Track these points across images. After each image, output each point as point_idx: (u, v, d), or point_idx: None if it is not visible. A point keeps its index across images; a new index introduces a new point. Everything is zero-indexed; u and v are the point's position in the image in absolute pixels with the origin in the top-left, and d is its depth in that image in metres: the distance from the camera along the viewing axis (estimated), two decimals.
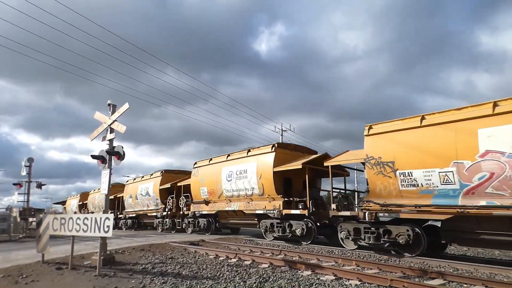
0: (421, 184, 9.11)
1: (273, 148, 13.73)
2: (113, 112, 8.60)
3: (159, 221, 20.86)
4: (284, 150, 14.18)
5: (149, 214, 22.33)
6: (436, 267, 8.18)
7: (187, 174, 20.36)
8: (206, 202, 16.98)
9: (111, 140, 8.54)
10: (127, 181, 26.15)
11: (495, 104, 8.08)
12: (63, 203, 63.82)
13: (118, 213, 26.21)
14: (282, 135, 33.10)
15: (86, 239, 12.92)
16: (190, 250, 10.88)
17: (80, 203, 33.96)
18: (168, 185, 20.21)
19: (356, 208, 11.63)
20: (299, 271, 7.31)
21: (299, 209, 12.48)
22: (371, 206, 10.23)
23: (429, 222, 9.74)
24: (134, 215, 24.49)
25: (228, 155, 16.09)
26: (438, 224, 9.52)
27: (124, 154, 8.34)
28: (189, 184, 18.20)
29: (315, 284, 6.19)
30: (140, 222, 24.59)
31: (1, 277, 6.83)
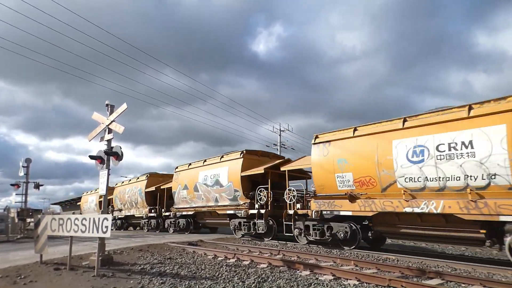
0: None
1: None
2: (111, 112, 8.60)
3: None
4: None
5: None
6: (434, 267, 8.20)
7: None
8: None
9: (109, 141, 8.53)
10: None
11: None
12: (76, 200, 62.61)
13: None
14: (280, 135, 33.09)
15: (84, 240, 12.89)
16: (188, 250, 10.87)
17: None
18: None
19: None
20: (297, 271, 7.32)
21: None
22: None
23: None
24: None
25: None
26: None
27: (122, 154, 8.33)
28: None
29: (314, 284, 6.19)
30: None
31: None
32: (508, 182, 7.78)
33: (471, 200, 8.33)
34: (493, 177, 8.01)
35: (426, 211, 9.07)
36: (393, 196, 9.79)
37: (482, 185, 8.22)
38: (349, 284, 6.23)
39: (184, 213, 18.77)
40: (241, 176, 14.70)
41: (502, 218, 7.95)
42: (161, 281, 6.37)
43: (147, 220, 22.23)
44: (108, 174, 8.24)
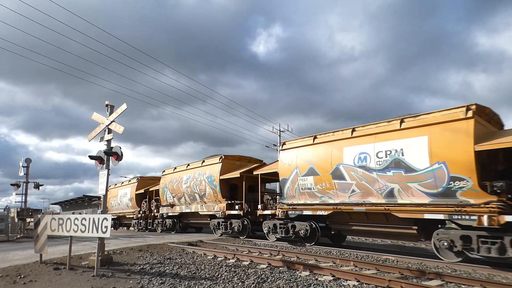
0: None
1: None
2: (111, 113, 8.61)
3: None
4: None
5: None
6: (434, 267, 8.20)
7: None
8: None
9: (109, 141, 8.54)
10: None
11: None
12: (76, 200, 61.75)
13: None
14: (280, 135, 33.07)
15: (84, 240, 12.90)
16: (188, 250, 10.87)
17: (140, 191, 23.24)
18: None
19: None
20: (297, 272, 7.31)
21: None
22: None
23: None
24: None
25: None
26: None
27: (122, 154, 8.33)
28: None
29: (313, 284, 6.19)
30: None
31: None
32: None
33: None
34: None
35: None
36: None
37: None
38: (349, 285, 6.23)
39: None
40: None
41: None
42: (160, 281, 6.37)
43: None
44: (108, 174, 8.24)
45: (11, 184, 17.47)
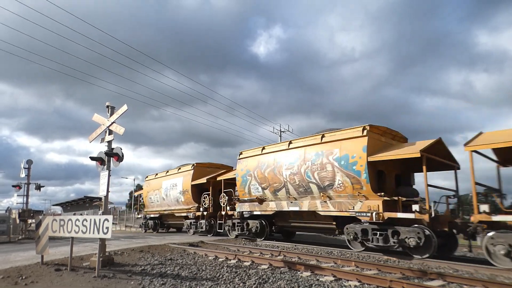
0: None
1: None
2: (112, 114, 8.60)
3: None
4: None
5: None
6: (436, 268, 8.18)
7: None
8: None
9: (109, 142, 8.54)
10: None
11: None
12: (77, 201, 60.77)
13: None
14: (280, 135, 33.08)
15: (85, 241, 12.91)
16: (189, 251, 10.86)
17: (197, 182, 18.05)
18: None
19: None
20: (298, 272, 7.30)
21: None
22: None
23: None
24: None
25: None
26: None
27: (122, 155, 8.34)
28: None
29: (314, 285, 6.18)
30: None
31: (0, 278, 6.81)
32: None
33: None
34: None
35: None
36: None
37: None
38: (350, 285, 6.21)
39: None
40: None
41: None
42: (161, 282, 6.36)
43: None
44: (109, 175, 8.24)
45: (13, 186, 17.48)
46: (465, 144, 9.05)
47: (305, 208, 12.23)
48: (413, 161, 10.19)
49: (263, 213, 13.96)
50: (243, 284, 6.25)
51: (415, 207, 9.38)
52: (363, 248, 10.74)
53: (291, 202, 12.79)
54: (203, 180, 17.62)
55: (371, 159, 10.11)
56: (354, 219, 10.78)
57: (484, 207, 8.42)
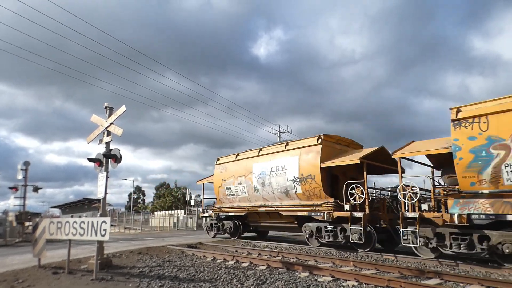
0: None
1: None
2: (110, 114, 8.58)
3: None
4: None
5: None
6: (433, 266, 8.23)
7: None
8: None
9: (107, 143, 8.52)
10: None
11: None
12: (76, 203, 59.71)
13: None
14: (279, 136, 33.13)
15: (83, 243, 12.86)
16: (187, 253, 10.85)
17: (333, 163, 11.55)
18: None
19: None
20: (296, 273, 7.32)
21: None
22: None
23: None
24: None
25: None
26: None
27: (120, 157, 8.31)
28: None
29: (313, 285, 6.19)
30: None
31: None
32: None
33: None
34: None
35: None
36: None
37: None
38: (348, 285, 6.23)
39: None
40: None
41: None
42: (159, 284, 6.36)
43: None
44: (107, 177, 8.22)
45: (9, 188, 17.34)
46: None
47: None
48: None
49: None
50: (241, 285, 6.26)
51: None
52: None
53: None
54: (349, 159, 11.10)
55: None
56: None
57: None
